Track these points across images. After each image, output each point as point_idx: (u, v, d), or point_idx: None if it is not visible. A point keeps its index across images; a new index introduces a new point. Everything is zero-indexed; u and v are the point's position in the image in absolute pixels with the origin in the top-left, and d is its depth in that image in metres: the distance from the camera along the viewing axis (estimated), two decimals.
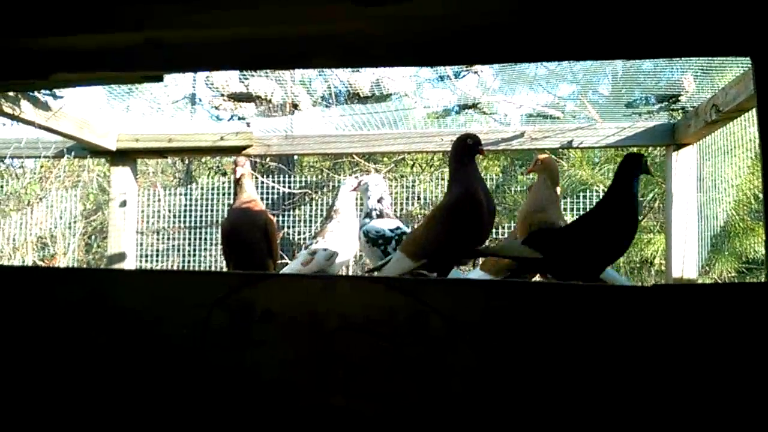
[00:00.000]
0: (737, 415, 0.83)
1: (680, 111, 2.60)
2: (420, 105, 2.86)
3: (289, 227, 5.29)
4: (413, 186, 5.21)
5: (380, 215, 2.18)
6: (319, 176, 5.74)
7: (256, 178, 5.08)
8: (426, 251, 1.73)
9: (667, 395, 0.84)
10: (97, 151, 3.02)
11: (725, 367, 0.84)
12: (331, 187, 5.39)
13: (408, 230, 2.16)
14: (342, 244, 2.28)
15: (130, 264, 2.99)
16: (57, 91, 2.49)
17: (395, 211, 5.14)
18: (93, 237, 5.94)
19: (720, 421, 0.83)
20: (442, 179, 5.38)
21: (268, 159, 5.44)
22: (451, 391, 0.86)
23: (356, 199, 2.44)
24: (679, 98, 2.47)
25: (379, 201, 2.20)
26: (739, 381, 0.84)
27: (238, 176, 2.23)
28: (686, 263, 2.71)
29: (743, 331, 0.86)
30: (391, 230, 2.12)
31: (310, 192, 5.38)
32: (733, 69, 2.25)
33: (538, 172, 2.03)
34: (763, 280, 3.57)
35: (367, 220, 2.19)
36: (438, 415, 0.85)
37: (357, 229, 2.28)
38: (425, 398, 0.86)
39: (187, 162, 6.87)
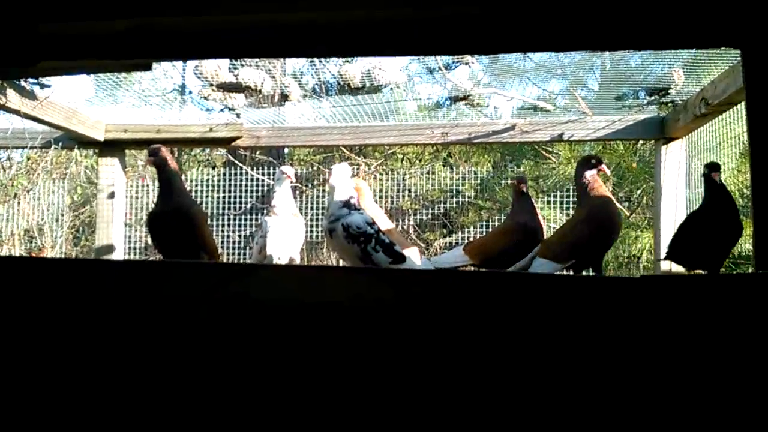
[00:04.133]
0: (726, 409, 0.84)
1: (669, 104, 2.62)
2: (411, 97, 2.86)
3: None
4: (404, 180, 5.20)
5: (355, 206, 2.10)
6: (310, 170, 5.72)
7: (240, 168, 5.05)
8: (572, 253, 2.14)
9: (657, 387, 0.85)
10: (85, 142, 2.99)
11: (715, 358, 0.85)
12: (321, 180, 5.37)
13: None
14: (281, 241, 2.27)
15: (118, 257, 2.97)
16: (44, 80, 2.46)
17: (385, 205, 5.15)
18: (81, 230, 5.89)
19: (708, 416, 0.84)
20: (432, 173, 5.37)
21: (257, 152, 5.41)
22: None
23: (293, 189, 2.52)
24: (669, 91, 2.48)
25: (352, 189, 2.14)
26: (727, 372, 0.85)
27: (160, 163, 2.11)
28: None
29: (733, 321, 0.86)
30: (371, 225, 2.06)
31: (300, 186, 5.36)
32: (720, 62, 2.26)
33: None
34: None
35: (345, 210, 2.07)
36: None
37: (298, 223, 2.38)
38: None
39: (176, 155, 6.82)
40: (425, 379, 0.86)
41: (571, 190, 4.54)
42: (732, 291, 0.89)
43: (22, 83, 2.39)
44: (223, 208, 4.80)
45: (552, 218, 4.34)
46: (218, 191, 5.02)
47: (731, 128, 3.14)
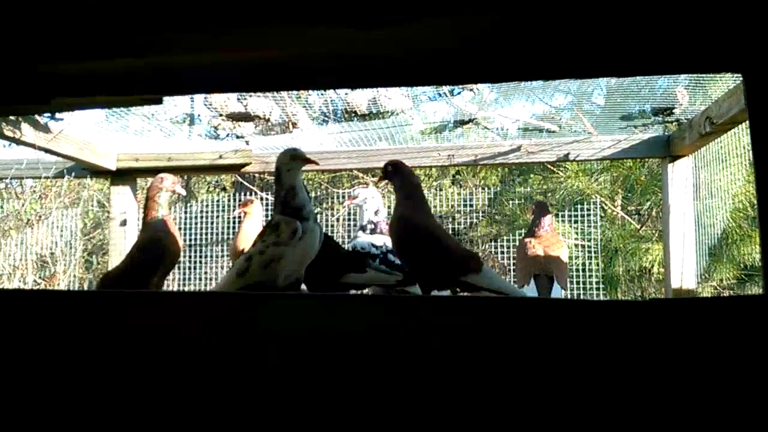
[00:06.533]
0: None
1: (675, 123, 2.63)
2: (417, 120, 2.89)
3: None
4: None
5: (374, 230, 2.11)
6: (318, 191, 5.75)
7: (249, 190, 5.09)
8: None
9: (667, 408, 0.85)
10: (97, 171, 3.04)
11: (724, 382, 0.85)
12: (330, 203, 5.40)
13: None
14: None
15: None
16: (57, 114, 2.51)
17: None
18: (93, 255, 5.94)
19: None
20: (441, 190, 5.40)
21: (266, 174, 5.46)
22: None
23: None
24: (674, 111, 2.49)
25: (375, 213, 2.14)
26: (737, 397, 0.84)
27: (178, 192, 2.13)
28: (685, 273, 2.72)
29: (742, 345, 0.86)
30: (377, 247, 2.07)
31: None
32: (726, 81, 2.27)
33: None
34: (761, 291, 3.55)
35: (360, 233, 2.12)
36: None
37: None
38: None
39: (186, 178, 6.89)
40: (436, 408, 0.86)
41: (579, 205, 4.55)
42: (741, 314, 0.89)
43: (36, 117, 2.44)
44: (232, 230, 4.84)
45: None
46: (228, 212, 5.06)
47: (740, 141, 3.14)
